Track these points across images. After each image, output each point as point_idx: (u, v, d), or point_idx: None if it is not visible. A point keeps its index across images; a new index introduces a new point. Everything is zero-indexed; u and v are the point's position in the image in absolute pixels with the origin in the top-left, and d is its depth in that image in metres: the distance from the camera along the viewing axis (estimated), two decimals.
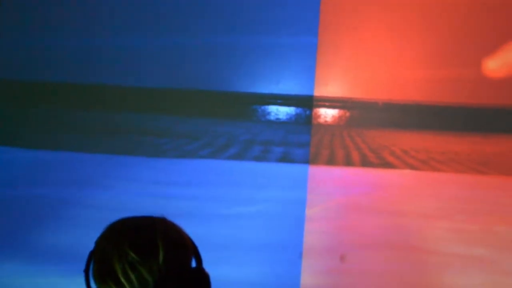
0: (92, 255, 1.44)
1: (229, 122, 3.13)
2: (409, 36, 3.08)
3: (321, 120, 3.12)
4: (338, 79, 3.10)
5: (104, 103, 3.14)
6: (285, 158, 3.10)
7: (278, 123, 3.13)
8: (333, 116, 3.12)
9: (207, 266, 1.46)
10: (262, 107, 3.14)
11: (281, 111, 3.13)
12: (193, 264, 1.47)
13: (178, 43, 3.13)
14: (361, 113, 3.11)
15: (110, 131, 3.14)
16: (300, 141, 3.11)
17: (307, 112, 3.11)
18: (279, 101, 3.12)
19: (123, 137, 3.14)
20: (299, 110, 3.12)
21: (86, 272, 1.43)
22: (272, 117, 3.14)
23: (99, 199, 3.08)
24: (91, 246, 1.45)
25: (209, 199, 3.07)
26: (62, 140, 3.14)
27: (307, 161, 3.08)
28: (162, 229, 1.44)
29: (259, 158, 3.11)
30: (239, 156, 3.11)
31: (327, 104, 3.11)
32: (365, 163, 3.10)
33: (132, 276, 1.39)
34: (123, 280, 1.39)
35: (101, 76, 3.14)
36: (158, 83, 3.13)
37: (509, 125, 3.08)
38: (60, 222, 3.08)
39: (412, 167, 3.09)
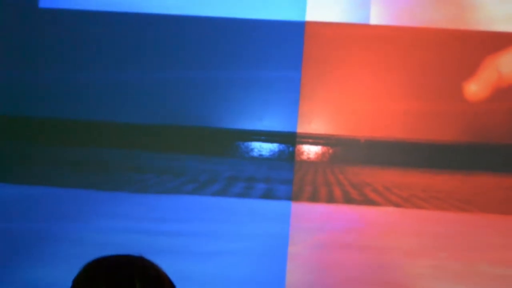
0: None
1: (213, 159, 3.14)
2: (392, 72, 3.10)
3: (304, 156, 3.13)
4: (321, 116, 3.11)
5: (87, 139, 3.14)
6: (268, 195, 3.10)
7: (261, 159, 3.14)
8: (316, 153, 3.13)
9: None
10: (245, 144, 3.14)
11: (264, 148, 3.14)
12: None
13: (161, 78, 3.14)
14: (343, 150, 3.12)
15: (94, 167, 3.14)
16: (283, 177, 3.11)
17: (290, 149, 3.12)
18: (262, 137, 3.13)
19: (107, 173, 3.13)
20: (282, 146, 3.13)
21: None
22: (255, 153, 3.14)
23: (82, 235, 3.06)
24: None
25: (192, 236, 3.06)
26: (44, 175, 3.13)
27: (290, 197, 3.08)
28: (139, 268, 1.43)
29: (242, 195, 3.11)
30: (222, 193, 3.11)
31: (310, 141, 3.12)
32: (348, 200, 3.10)
33: None
34: None
35: (85, 112, 3.14)
36: (141, 119, 3.13)
37: (490, 163, 3.10)
38: (42, 257, 3.06)
39: (394, 204, 3.10)
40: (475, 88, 2.46)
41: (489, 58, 2.49)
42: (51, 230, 3.08)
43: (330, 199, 3.11)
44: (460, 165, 3.10)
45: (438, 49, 3.10)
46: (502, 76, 2.52)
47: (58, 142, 3.14)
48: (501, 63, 2.48)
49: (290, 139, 3.11)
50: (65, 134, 3.14)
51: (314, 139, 3.13)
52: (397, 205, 3.10)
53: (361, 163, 3.12)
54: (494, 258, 3.05)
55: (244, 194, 3.11)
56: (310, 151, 3.13)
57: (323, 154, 3.13)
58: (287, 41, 3.11)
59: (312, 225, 3.08)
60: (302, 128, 3.10)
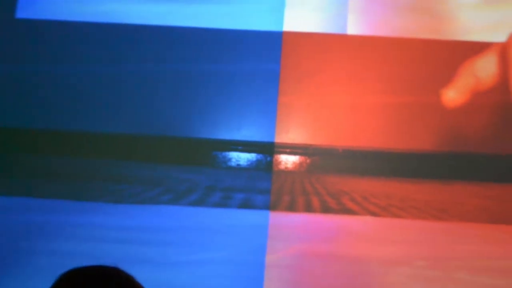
0: None
1: (190, 169, 3.14)
2: (369, 82, 3.12)
3: (282, 166, 3.13)
4: (299, 126, 3.12)
5: (64, 149, 3.13)
6: (246, 205, 3.11)
7: (239, 169, 3.14)
8: (293, 163, 3.14)
9: None
10: (223, 154, 3.15)
11: (242, 158, 3.14)
12: None
13: (138, 88, 3.14)
14: (321, 160, 3.13)
15: (70, 177, 3.13)
16: (261, 187, 3.11)
17: (268, 159, 3.12)
18: (240, 147, 3.13)
19: (83, 183, 3.12)
20: (260, 156, 3.13)
21: None
22: (233, 163, 3.15)
23: (57, 245, 3.05)
24: None
25: (169, 245, 3.06)
26: (18, 186, 3.12)
27: (267, 207, 3.09)
28: (113, 279, 1.43)
29: (220, 205, 3.11)
30: (200, 203, 3.11)
31: (288, 150, 3.13)
32: (326, 209, 3.11)
33: None
34: None
35: (61, 122, 3.13)
36: (117, 129, 3.13)
37: (467, 172, 3.12)
38: (16, 269, 3.04)
39: (372, 213, 3.11)
40: (453, 95, 2.47)
41: (465, 64, 2.50)
42: (25, 241, 3.07)
43: (308, 209, 3.11)
44: (437, 174, 3.12)
45: (415, 58, 3.12)
46: (479, 81, 2.54)
47: (33, 152, 3.13)
48: (478, 68, 2.50)
49: (268, 149, 3.12)
50: (39, 144, 3.13)
51: (292, 149, 3.13)
52: (374, 214, 3.11)
53: (339, 173, 3.13)
54: (471, 266, 3.06)
55: (222, 204, 3.11)
56: (288, 160, 3.14)
57: (300, 163, 3.14)
58: (265, 51, 3.12)
59: (290, 235, 3.08)
60: (280, 138, 3.11)
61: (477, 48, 2.99)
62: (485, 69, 2.50)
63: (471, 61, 2.50)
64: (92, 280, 1.42)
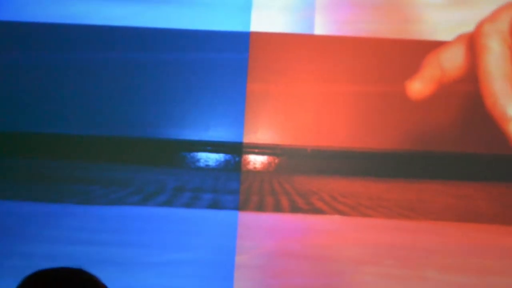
0: None
1: (158, 169, 3.13)
2: (336, 82, 3.13)
3: (251, 166, 3.13)
4: (267, 126, 3.13)
5: (31, 151, 3.11)
6: (214, 205, 3.11)
7: (208, 170, 3.14)
8: (262, 163, 3.14)
9: None
10: (192, 154, 3.14)
11: (210, 158, 3.14)
12: None
13: (105, 89, 3.13)
14: (289, 160, 3.14)
15: (38, 179, 3.11)
16: (229, 187, 3.12)
17: (237, 159, 3.12)
18: (208, 148, 3.13)
19: (50, 185, 3.11)
20: (228, 157, 3.13)
21: None
22: (201, 164, 3.14)
23: (24, 247, 3.03)
24: None
25: (137, 246, 3.05)
26: None
27: (236, 207, 3.09)
28: (78, 281, 1.43)
29: (188, 205, 3.11)
30: (168, 203, 3.11)
31: (256, 150, 3.13)
32: (294, 209, 3.12)
33: None
34: None
35: (28, 123, 3.12)
36: (85, 130, 3.11)
37: (434, 171, 3.14)
38: None
39: (341, 213, 3.12)
40: (418, 86, 2.47)
41: (430, 55, 2.51)
42: None
43: (277, 209, 3.12)
44: (405, 173, 3.14)
45: (382, 58, 3.13)
46: (445, 72, 2.54)
47: (7, 153, 3.11)
48: (444, 59, 2.51)
49: (236, 149, 3.12)
50: (6, 145, 3.11)
51: (260, 149, 3.14)
52: (343, 213, 3.12)
53: (308, 173, 3.14)
54: (439, 264, 3.08)
55: (191, 204, 3.11)
56: (256, 161, 3.14)
57: (269, 163, 3.15)
58: (232, 51, 3.12)
59: (259, 235, 3.08)
60: (248, 138, 3.11)
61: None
62: (451, 59, 2.50)
63: (436, 52, 2.51)
64: (55, 281, 1.42)
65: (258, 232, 3.08)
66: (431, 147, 3.13)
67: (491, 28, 2.43)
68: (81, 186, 3.11)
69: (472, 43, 2.46)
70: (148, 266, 3.03)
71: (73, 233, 3.06)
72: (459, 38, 2.64)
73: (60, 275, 1.42)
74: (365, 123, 3.13)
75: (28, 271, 1.45)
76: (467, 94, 3.08)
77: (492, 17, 2.51)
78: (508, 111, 2.55)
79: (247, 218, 3.08)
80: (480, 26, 2.42)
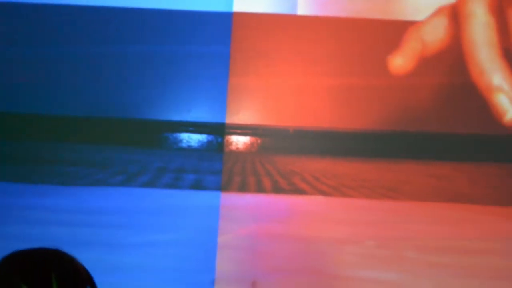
0: None
1: (141, 150, 3.13)
2: (319, 62, 3.13)
3: (233, 147, 3.14)
4: (249, 107, 3.13)
5: (13, 132, 3.10)
6: (197, 186, 3.11)
7: (190, 150, 3.14)
8: (244, 143, 3.15)
9: None
10: (174, 135, 3.14)
11: (193, 139, 3.14)
12: None
13: (88, 70, 3.12)
14: (272, 140, 3.14)
15: (19, 160, 3.10)
16: (212, 168, 3.12)
17: (219, 140, 3.13)
18: (190, 128, 3.13)
19: (33, 166, 3.10)
20: (210, 137, 3.13)
21: None
22: (184, 144, 3.14)
23: (7, 229, 3.03)
24: None
25: (120, 227, 3.05)
26: None
27: (219, 188, 3.09)
28: (55, 261, 1.43)
29: (171, 186, 3.11)
30: (151, 184, 3.11)
31: (238, 131, 3.13)
32: (277, 189, 3.12)
33: None
34: None
35: (11, 104, 3.11)
36: (68, 111, 3.11)
37: (415, 151, 3.15)
38: None
39: (323, 193, 3.13)
40: (400, 61, 2.47)
41: (412, 29, 2.50)
42: None
43: (259, 189, 3.13)
44: (387, 153, 3.15)
45: (364, 38, 3.13)
46: (427, 46, 2.54)
47: None
48: (425, 32, 2.50)
49: (218, 130, 3.12)
50: None
51: (242, 130, 3.14)
52: (325, 194, 3.13)
53: (290, 153, 3.15)
54: (420, 245, 3.10)
55: (173, 185, 3.11)
56: (239, 141, 3.15)
57: (251, 144, 3.15)
58: (215, 32, 3.11)
59: (241, 215, 3.09)
60: (231, 118, 3.11)
61: None
62: (433, 32, 2.50)
63: (417, 26, 2.50)
64: (32, 262, 1.42)
65: (241, 212, 3.09)
66: (413, 128, 3.14)
67: None
68: (63, 167, 3.11)
69: (455, 12, 2.45)
70: (131, 246, 3.03)
71: (55, 214, 3.05)
72: (440, 10, 2.63)
73: (36, 256, 1.42)
74: (347, 104, 3.13)
75: (5, 252, 1.44)
76: (447, 73, 3.08)
77: None
78: (494, 81, 2.55)
79: (229, 199, 3.09)
80: None
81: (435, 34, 2.51)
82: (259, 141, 3.15)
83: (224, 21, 3.11)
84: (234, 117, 3.12)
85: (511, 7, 2.44)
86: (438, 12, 2.52)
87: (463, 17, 2.43)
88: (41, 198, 3.07)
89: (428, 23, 2.51)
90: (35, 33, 3.13)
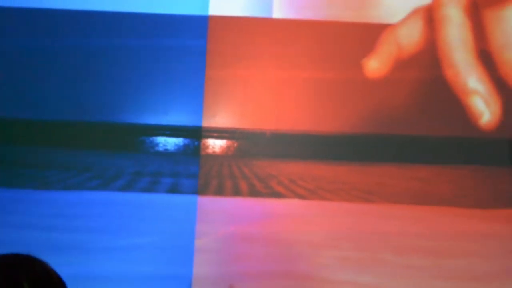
0: None
1: (117, 154, 3.12)
2: (295, 65, 3.13)
3: (210, 150, 3.13)
4: (226, 110, 3.12)
5: None
6: (174, 189, 3.10)
7: (167, 154, 3.13)
8: (221, 147, 3.14)
9: None
10: (151, 138, 3.13)
11: (169, 142, 3.13)
12: None
13: (62, 73, 3.10)
14: (249, 143, 3.14)
15: None
16: (188, 172, 3.11)
17: (196, 143, 3.12)
18: (167, 132, 3.13)
19: (7, 170, 3.08)
20: (187, 141, 3.13)
21: None
22: (160, 148, 3.14)
23: None
24: None
25: (95, 231, 3.04)
26: None
27: (196, 191, 3.09)
28: (27, 267, 1.42)
29: (147, 190, 3.10)
30: (127, 188, 3.10)
31: (215, 134, 3.13)
32: (254, 193, 3.12)
33: None
34: None
35: None
36: (43, 115, 3.09)
37: (392, 154, 3.15)
38: None
39: (300, 197, 3.13)
40: (375, 65, 2.46)
41: (386, 32, 2.50)
42: None
43: (236, 193, 3.12)
44: (365, 156, 3.15)
45: (340, 42, 3.14)
46: (402, 49, 2.53)
47: None
48: (400, 35, 2.50)
49: (195, 134, 3.11)
50: None
51: (219, 133, 3.13)
52: (303, 197, 3.13)
53: (267, 156, 3.14)
54: (397, 247, 3.11)
55: (150, 189, 3.10)
56: (215, 145, 3.14)
57: (228, 147, 3.15)
58: (190, 35, 3.10)
59: (218, 219, 3.08)
60: (207, 122, 3.11)
61: None
62: (408, 35, 2.49)
63: (392, 29, 2.50)
64: (3, 267, 1.41)
65: (218, 216, 3.08)
66: (390, 131, 3.14)
67: None
68: (39, 171, 3.09)
69: (430, 14, 2.45)
70: (107, 251, 3.02)
71: (31, 218, 3.04)
72: (415, 12, 2.63)
73: (8, 261, 1.41)
74: (323, 107, 3.13)
75: None
76: (423, 78, 3.09)
77: None
78: (469, 83, 2.55)
79: (206, 202, 3.08)
80: None
81: (411, 37, 2.50)
82: (235, 144, 3.14)
83: (200, 25, 3.11)
84: (211, 121, 3.11)
85: (486, 9, 2.44)
86: (413, 14, 2.52)
87: (438, 19, 2.43)
88: (15, 203, 3.06)
89: (403, 25, 2.50)
90: (7, 39, 3.11)
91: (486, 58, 2.78)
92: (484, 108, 2.76)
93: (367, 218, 3.13)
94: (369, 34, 3.10)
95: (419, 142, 3.15)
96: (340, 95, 3.13)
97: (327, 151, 3.15)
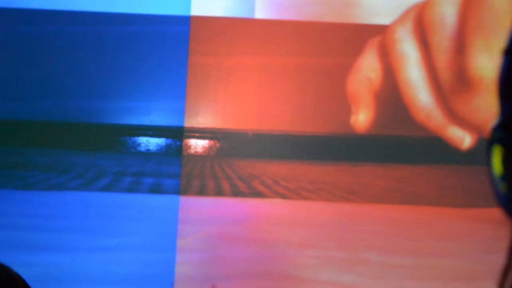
0: None
1: (99, 154, 3.11)
2: (277, 65, 3.14)
3: (192, 151, 3.13)
4: (208, 110, 3.13)
5: None
6: (156, 189, 3.10)
7: (149, 154, 3.13)
8: (203, 147, 3.14)
9: None
10: (133, 139, 3.13)
11: (151, 143, 3.13)
12: None
13: (42, 73, 3.09)
14: (231, 144, 3.14)
15: None
16: (170, 172, 3.11)
17: (178, 143, 3.12)
18: (149, 132, 3.12)
19: None
20: (169, 141, 3.13)
21: None
22: (142, 148, 3.13)
23: None
24: None
25: (77, 232, 3.03)
26: None
27: (178, 192, 3.08)
28: None
29: (129, 190, 3.10)
30: (109, 188, 3.09)
31: (197, 135, 3.13)
32: (236, 193, 3.12)
33: None
34: None
35: None
36: (24, 115, 3.08)
37: (374, 154, 3.17)
38: None
39: (282, 196, 3.13)
40: (363, 118, 2.48)
41: (351, 79, 2.51)
42: None
43: (218, 193, 3.12)
44: (345, 156, 3.16)
45: (322, 42, 3.15)
46: (373, 82, 2.55)
47: None
48: (366, 69, 2.51)
49: (177, 134, 3.12)
50: None
51: (201, 133, 3.14)
52: (284, 197, 3.14)
53: (249, 157, 3.15)
54: (379, 247, 3.12)
55: (132, 189, 3.10)
56: (197, 145, 3.14)
57: (210, 148, 3.15)
58: (172, 35, 3.11)
59: (200, 219, 3.08)
60: (189, 122, 3.11)
61: (381, 30, 3.05)
62: (372, 69, 2.52)
63: (355, 71, 2.51)
64: None
65: (200, 216, 3.08)
66: (372, 131, 3.16)
67: (402, 31, 2.43)
68: (20, 172, 3.08)
69: (384, 49, 2.46)
70: (89, 251, 3.01)
71: (12, 218, 3.02)
72: (370, 45, 2.64)
73: None
74: (305, 108, 3.14)
75: None
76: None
77: (401, 20, 2.51)
78: (441, 119, 2.57)
79: (188, 203, 3.08)
80: (390, 31, 2.41)
81: (375, 70, 2.53)
82: (217, 144, 3.15)
83: (182, 24, 3.11)
84: (193, 121, 3.11)
85: (430, 31, 2.47)
86: (369, 47, 2.54)
87: (394, 55, 2.45)
88: None
89: (363, 61, 2.53)
90: None
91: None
92: (462, 134, 2.78)
93: (348, 217, 3.14)
94: (351, 34, 3.11)
95: (400, 141, 3.17)
96: (321, 96, 3.14)
97: (309, 152, 3.16)
